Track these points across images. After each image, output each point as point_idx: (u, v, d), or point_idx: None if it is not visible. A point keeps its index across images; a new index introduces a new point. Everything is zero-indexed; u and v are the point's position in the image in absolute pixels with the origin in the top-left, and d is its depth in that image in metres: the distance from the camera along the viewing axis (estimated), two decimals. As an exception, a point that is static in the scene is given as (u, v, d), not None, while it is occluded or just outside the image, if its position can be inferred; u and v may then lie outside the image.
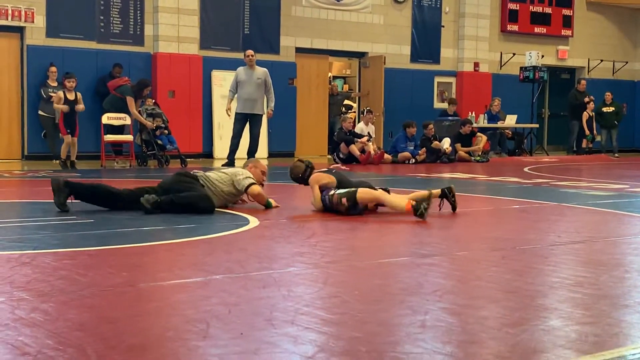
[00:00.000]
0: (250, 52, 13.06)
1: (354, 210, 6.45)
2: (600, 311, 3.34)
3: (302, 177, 6.95)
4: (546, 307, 3.43)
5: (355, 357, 2.62)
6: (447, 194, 6.70)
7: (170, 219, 6.07)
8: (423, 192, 6.66)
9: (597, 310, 3.36)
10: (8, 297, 3.40)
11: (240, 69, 13.08)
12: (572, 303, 3.50)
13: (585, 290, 3.73)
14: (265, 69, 13.13)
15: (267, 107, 13.24)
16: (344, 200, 6.45)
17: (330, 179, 6.77)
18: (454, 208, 6.71)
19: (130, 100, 12.96)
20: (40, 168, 11.97)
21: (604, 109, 19.05)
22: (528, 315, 3.26)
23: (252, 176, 6.83)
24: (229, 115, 13.10)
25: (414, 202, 6.26)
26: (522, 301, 3.51)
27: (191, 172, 6.92)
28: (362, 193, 6.47)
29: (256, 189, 6.74)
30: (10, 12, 13.35)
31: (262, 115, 13.23)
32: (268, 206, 6.83)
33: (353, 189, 6.54)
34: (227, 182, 6.77)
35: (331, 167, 7.17)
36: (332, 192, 6.59)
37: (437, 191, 6.72)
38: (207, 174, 6.87)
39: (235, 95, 13.01)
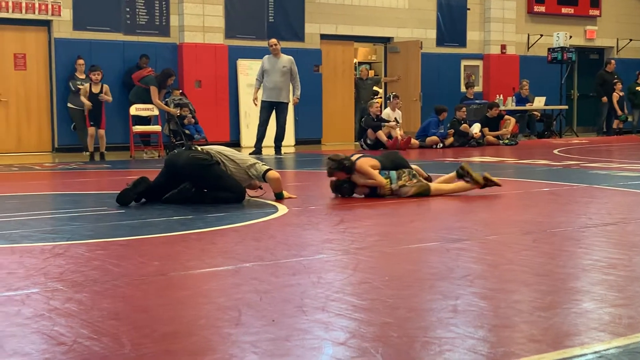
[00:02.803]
0: (273, 41, 13.07)
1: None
2: (634, 293, 3.31)
3: (346, 163, 6.66)
4: (579, 290, 3.41)
5: (387, 343, 2.62)
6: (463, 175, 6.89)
7: (199, 209, 6.10)
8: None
9: (630, 292, 3.33)
10: (43, 287, 3.44)
11: (266, 57, 13.11)
12: (605, 285, 3.47)
13: (618, 272, 3.70)
14: (290, 57, 13.13)
15: (293, 94, 13.25)
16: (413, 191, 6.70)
17: (376, 162, 6.81)
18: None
19: (153, 90, 13.04)
20: (71, 160, 12.08)
21: (638, 89, 18.82)
22: (560, 298, 3.24)
23: (253, 164, 6.59)
24: (255, 105, 13.13)
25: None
26: (554, 284, 3.49)
27: (202, 149, 6.56)
28: (435, 191, 6.78)
29: (275, 174, 6.57)
30: (37, 5, 13.44)
31: (287, 103, 13.23)
32: (280, 197, 6.57)
33: (425, 185, 6.75)
34: (242, 167, 6.54)
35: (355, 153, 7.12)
36: (402, 186, 6.70)
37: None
38: (221, 150, 6.63)
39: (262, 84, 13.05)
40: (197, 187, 6.44)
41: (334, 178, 6.76)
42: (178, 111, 12.99)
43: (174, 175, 6.44)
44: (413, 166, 7.00)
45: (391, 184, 6.71)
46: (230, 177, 6.48)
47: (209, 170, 6.39)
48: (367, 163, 6.73)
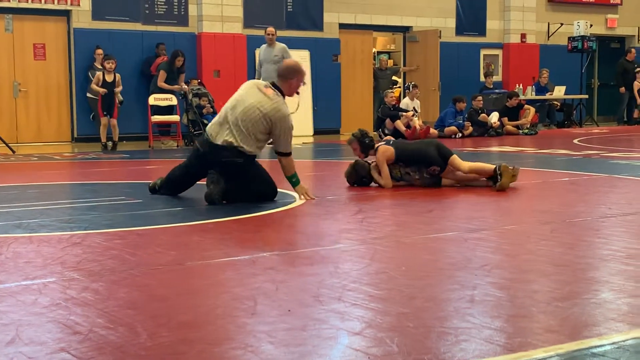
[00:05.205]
0: (270, 29, 12.59)
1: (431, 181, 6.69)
2: (654, 284, 3.27)
3: (367, 140, 6.76)
4: (597, 280, 3.38)
5: (403, 333, 2.61)
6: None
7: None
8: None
9: (650, 283, 3.29)
10: (59, 277, 3.46)
11: (262, 47, 12.79)
12: (624, 276, 3.43)
13: (638, 263, 3.66)
14: (283, 45, 12.64)
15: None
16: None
17: (391, 151, 6.70)
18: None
19: (160, 74, 13.11)
20: (90, 150, 12.14)
21: None
22: (579, 288, 3.21)
23: (290, 138, 5.93)
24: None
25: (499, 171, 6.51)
26: (572, 274, 3.46)
27: (233, 142, 5.86)
28: (445, 181, 6.74)
29: (285, 160, 5.95)
30: (56, -4, 13.51)
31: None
32: (293, 184, 6.02)
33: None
34: (263, 128, 5.87)
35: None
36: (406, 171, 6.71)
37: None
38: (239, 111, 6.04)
39: None
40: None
41: (350, 168, 6.74)
42: (182, 88, 13.05)
43: (206, 166, 5.98)
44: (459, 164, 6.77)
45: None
46: (263, 175, 6.03)
47: (241, 173, 5.92)
48: (384, 155, 6.64)
